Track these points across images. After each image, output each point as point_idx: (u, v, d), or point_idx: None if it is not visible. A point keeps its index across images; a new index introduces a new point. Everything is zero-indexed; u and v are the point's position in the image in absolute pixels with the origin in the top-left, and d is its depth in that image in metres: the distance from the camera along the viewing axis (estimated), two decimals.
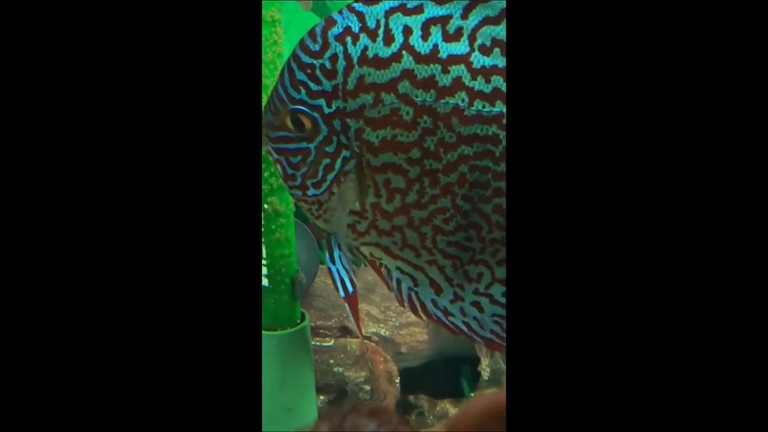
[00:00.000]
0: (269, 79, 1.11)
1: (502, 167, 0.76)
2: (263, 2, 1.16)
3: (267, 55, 1.15)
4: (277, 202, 1.16)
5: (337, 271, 0.83)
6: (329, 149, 0.79)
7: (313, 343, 1.24)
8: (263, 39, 1.15)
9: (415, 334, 1.39)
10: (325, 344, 1.34)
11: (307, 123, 0.78)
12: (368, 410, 0.60)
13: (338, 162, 0.79)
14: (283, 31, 1.20)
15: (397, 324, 1.40)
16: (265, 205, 1.16)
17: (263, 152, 0.86)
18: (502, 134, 0.76)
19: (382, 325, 1.39)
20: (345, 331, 1.38)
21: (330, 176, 0.79)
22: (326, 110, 0.77)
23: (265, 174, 1.12)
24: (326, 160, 0.79)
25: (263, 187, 1.17)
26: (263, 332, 1.15)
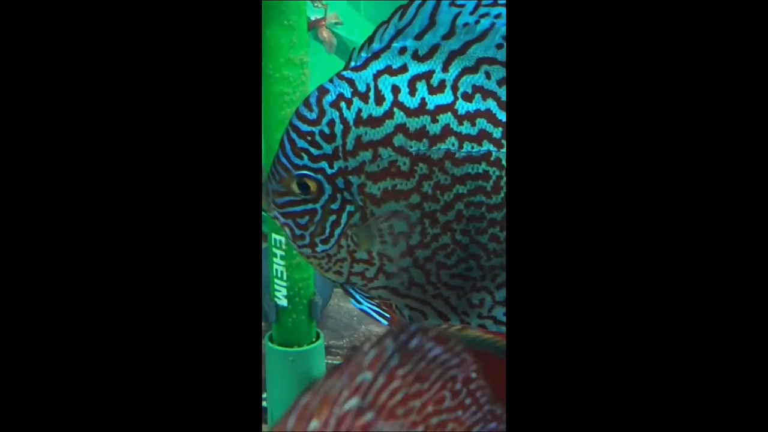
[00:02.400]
0: None
1: (494, 199, 0.82)
2: (296, 44, 1.26)
3: (295, 94, 1.24)
4: None
5: (369, 308, 0.88)
6: (334, 206, 0.83)
7: (326, 360, 1.31)
8: (294, 79, 1.24)
9: None
10: (337, 362, 1.42)
11: (313, 185, 0.83)
12: (435, 334, 0.61)
13: (344, 217, 0.84)
14: (310, 73, 1.29)
15: None
16: None
17: None
18: (491, 170, 0.81)
19: None
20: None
21: (337, 231, 0.84)
22: (329, 171, 0.82)
23: None
24: (332, 217, 0.84)
25: None
26: (282, 348, 1.23)
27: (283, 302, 1.24)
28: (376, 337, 0.59)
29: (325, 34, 1.49)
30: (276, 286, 1.26)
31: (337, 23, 1.52)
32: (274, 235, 1.24)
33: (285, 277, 1.24)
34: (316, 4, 1.46)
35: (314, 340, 1.26)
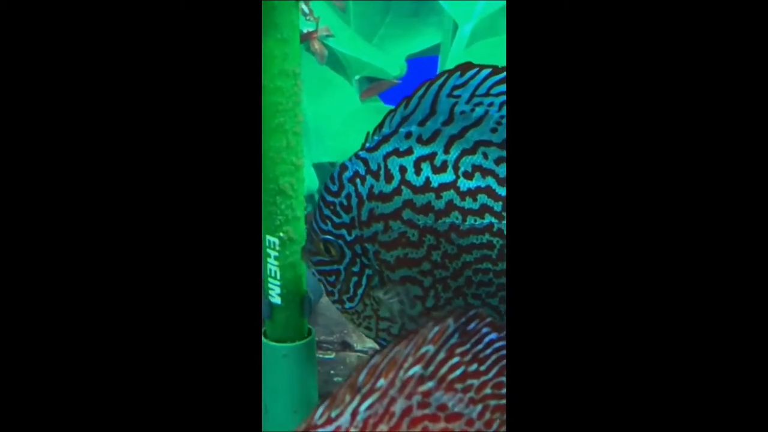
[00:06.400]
0: (289, 126, 1.27)
1: (500, 266, 0.91)
2: (288, 56, 1.32)
3: (288, 104, 1.30)
4: (292, 231, 1.31)
5: None
6: (355, 269, 0.95)
7: (317, 355, 1.38)
8: (287, 89, 1.31)
9: None
10: (327, 357, 1.48)
11: (334, 249, 0.95)
12: (490, 321, 0.69)
13: (364, 279, 0.95)
14: (302, 83, 1.36)
15: None
16: (281, 233, 1.30)
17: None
18: (495, 240, 0.90)
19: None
20: (345, 346, 1.51)
21: (359, 291, 0.96)
22: (348, 238, 0.94)
23: (282, 206, 1.26)
24: (354, 278, 0.96)
25: (279, 217, 1.31)
26: (275, 344, 1.30)
27: (277, 300, 1.31)
28: (439, 318, 0.67)
29: (316, 46, 1.55)
30: (270, 285, 1.32)
31: (328, 36, 1.58)
32: (268, 237, 1.30)
33: (278, 277, 1.31)
34: (308, 18, 1.52)
35: (306, 335, 1.32)
